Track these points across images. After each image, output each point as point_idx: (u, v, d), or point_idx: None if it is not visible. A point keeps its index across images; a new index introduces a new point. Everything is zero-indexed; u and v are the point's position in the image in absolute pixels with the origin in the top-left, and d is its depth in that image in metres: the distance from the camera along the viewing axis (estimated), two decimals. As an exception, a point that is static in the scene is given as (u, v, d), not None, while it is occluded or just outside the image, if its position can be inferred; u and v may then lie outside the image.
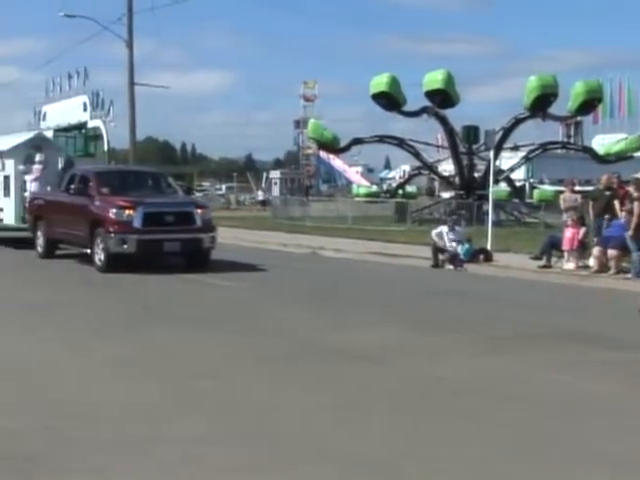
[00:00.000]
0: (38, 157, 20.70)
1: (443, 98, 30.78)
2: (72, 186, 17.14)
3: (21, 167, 21.30)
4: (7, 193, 21.69)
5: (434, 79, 30.62)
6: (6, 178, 21.79)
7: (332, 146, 34.64)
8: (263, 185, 69.92)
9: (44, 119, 27.79)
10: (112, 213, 15.46)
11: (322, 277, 15.97)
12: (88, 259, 16.01)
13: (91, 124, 25.44)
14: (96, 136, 25.33)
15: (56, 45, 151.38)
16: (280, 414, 6.08)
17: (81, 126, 25.87)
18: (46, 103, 28.58)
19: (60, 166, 21.06)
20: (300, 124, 70.35)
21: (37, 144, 21.70)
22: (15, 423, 5.77)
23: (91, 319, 10.45)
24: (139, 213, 15.42)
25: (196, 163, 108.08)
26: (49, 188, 19.61)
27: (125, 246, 15.25)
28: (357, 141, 33.77)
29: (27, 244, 18.99)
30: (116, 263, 15.25)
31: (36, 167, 20.61)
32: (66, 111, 26.63)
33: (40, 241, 18.21)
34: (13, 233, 20.99)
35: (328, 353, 8.37)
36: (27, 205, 20.04)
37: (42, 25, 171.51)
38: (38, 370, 7.55)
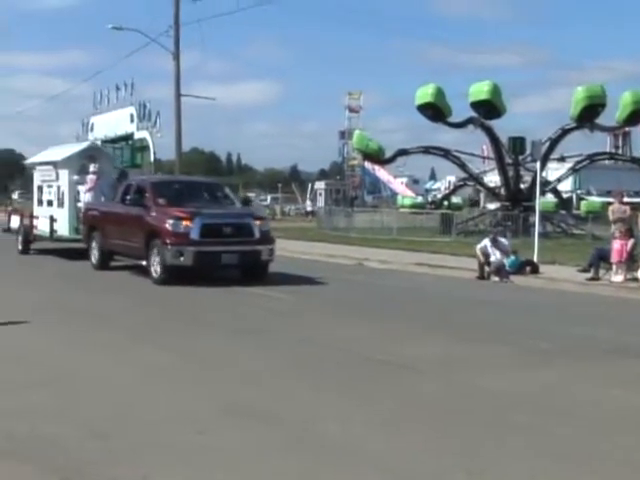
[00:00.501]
0: (92, 167, 20.76)
1: (489, 109, 30.66)
2: (127, 196, 17.10)
3: (75, 177, 21.35)
4: (61, 204, 21.68)
5: (480, 90, 30.52)
6: (60, 189, 21.79)
7: (377, 157, 34.62)
8: (308, 196, 70.31)
9: (92, 130, 28.06)
10: (169, 224, 15.23)
11: (369, 288, 16.08)
12: (144, 271, 15.94)
13: (138, 135, 25.59)
14: (143, 147, 25.52)
15: (103, 57, 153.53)
16: (324, 424, 6.13)
17: (128, 137, 26.06)
18: (94, 114, 28.80)
19: (114, 176, 21.12)
20: (345, 135, 70.47)
21: (91, 154, 21.73)
22: (62, 430, 5.83)
23: (143, 328, 10.69)
24: (196, 224, 15.15)
25: (241, 174, 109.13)
26: (103, 198, 19.69)
27: (182, 258, 14.99)
28: (402, 152, 33.77)
29: (81, 255, 19.12)
30: (172, 275, 15.06)
31: (90, 177, 20.64)
32: (113, 122, 26.80)
33: (95, 252, 18.19)
34: (67, 244, 21.11)
35: (375, 364, 8.45)
36: (81, 216, 20.16)
37: (89, 38, 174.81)
38: (85, 376, 7.68)
